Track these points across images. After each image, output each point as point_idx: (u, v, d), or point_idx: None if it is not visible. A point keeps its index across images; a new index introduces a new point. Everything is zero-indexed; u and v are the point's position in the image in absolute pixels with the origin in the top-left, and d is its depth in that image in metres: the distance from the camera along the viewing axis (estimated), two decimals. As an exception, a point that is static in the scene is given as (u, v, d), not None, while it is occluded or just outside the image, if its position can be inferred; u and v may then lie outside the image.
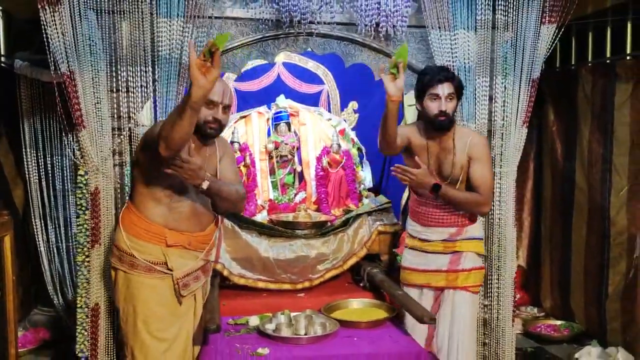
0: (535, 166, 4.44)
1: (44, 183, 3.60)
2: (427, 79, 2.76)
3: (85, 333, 2.81)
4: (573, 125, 3.96)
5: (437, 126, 2.77)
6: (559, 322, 3.95)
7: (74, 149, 2.78)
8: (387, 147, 2.79)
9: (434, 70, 2.80)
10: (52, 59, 2.65)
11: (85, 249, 2.81)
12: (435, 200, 2.86)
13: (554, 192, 4.20)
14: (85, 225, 2.81)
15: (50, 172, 3.60)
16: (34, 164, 3.55)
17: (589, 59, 3.81)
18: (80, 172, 2.79)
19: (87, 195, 2.78)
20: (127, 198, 2.65)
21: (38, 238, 3.61)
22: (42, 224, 3.63)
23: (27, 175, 3.54)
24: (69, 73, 2.66)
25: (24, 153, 3.52)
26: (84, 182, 2.79)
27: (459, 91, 2.81)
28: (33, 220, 3.59)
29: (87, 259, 2.81)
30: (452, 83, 2.75)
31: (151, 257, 2.41)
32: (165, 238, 2.41)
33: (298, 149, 3.90)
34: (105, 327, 2.83)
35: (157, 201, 2.42)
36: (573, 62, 3.96)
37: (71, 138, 2.81)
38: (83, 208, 2.82)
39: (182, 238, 2.45)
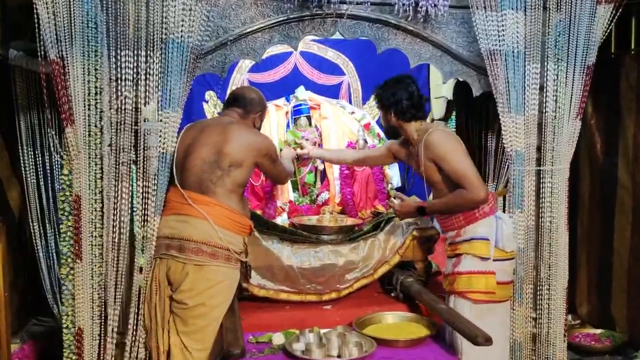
0: (571, 162, 4.21)
1: (42, 183, 3.36)
2: None
3: (73, 357, 2.56)
4: (615, 117, 3.77)
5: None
6: (598, 331, 3.74)
7: (56, 145, 2.59)
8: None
9: None
10: (41, 44, 2.38)
11: (69, 260, 2.57)
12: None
13: (593, 190, 4.00)
14: (68, 233, 2.56)
15: (49, 171, 3.35)
16: (31, 163, 3.31)
17: (632, 46, 3.57)
18: (64, 171, 2.56)
19: (69, 198, 2.55)
20: (209, 193, 2.57)
21: (36, 243, 3.38)
22: (41, 228, 3.39)
23: (23, 175, 3.31)
24: (58, 60, 2.38)
25: (20, 151, 3.28)
26: (68, 182, 2.56)
27: (381, 102, 2.95)
28: (30, 223, 3.36)
29: (71, 272, 2.56)
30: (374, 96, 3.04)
31: (236, 247, 2.56)
32: (251, 227, 2.66)
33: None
34: (90, 352, 2.53)
35: (240, 195, 2.63)
36: (613, 50, 3.70)
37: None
38: (66, 213, 2.56)
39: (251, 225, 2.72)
